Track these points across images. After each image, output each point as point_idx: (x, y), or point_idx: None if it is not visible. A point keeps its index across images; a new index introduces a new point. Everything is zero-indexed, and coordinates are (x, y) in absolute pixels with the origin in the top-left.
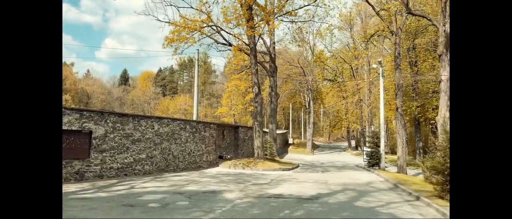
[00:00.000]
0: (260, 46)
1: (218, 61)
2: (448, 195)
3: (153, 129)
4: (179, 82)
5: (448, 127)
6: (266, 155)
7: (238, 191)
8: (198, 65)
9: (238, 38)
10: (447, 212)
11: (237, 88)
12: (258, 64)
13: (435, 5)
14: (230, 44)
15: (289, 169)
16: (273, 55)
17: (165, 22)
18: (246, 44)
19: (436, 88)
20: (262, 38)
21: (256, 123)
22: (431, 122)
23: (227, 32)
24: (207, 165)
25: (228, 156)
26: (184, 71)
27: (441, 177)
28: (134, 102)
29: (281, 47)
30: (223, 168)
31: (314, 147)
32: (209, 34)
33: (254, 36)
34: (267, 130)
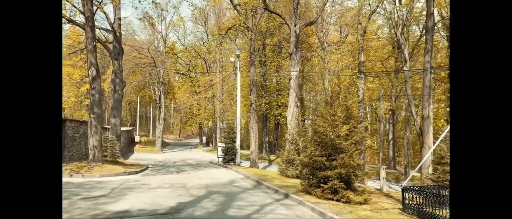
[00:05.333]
0: (98, 16)
1: None
2: (315, 190)
3: None
4: None
5: (295, 121)
6: (105, 156)
7: None
8: None
9: (67, 1)
10: (323, 210)
11: (70, 77)
12: (99, 44)
13: (284, 8)
14: None
15: (137, 172)
16: (118, 34)
17: None
18: (80, 12)
19: (280, 87)
20: (103, 12)
21: (92, 116)
22: (277, 118)
23: None
24: None
25: None
26: None
27: (308, 170)
28: None
29: (129, 33)
30: None
31: (164, 144)
32: None
33: (92, 2)
34: (108, 126)
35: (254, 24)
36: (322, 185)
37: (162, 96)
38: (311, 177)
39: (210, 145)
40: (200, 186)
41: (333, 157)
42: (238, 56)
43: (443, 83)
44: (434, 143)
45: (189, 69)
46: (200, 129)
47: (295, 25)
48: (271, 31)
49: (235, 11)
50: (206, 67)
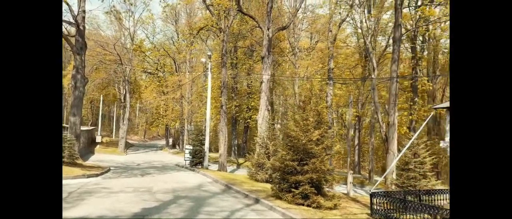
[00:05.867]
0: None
1: None
2: (286, 195)
3: None
4: None
5: (266, 124)
6: (63, 157)
7: None
8: None
9: None
10: (294, 216)
11: None
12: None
13: (257, 11)
14: None
15: (97, 175)
16: (82, 27)
17: None
18: None
19: (251, 91)
20: (66, 3)
21: None
22: (247, 121)
23: None
24: None
25: None
26: None
27: (279, 174)
28: None
29: (93, 27)
30: None
31: (128, 146)
32: None
33: None
34: (66, 125)
35: (227, 25)
36: (293, 190)
37: (128, 95)
38: (282, 181)
39: (177, 147)
40: (167, 190)
41: (304, 162)
42: (209, 57)
43: (405, 92)
44: (399, 149)
45: (157, 69)
46: (166, 130)
47: (268, 29)
48: (243, 34)
49: (208, 11)
50: (175, 67)
